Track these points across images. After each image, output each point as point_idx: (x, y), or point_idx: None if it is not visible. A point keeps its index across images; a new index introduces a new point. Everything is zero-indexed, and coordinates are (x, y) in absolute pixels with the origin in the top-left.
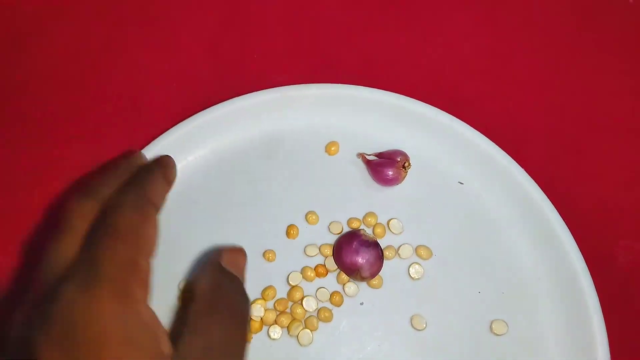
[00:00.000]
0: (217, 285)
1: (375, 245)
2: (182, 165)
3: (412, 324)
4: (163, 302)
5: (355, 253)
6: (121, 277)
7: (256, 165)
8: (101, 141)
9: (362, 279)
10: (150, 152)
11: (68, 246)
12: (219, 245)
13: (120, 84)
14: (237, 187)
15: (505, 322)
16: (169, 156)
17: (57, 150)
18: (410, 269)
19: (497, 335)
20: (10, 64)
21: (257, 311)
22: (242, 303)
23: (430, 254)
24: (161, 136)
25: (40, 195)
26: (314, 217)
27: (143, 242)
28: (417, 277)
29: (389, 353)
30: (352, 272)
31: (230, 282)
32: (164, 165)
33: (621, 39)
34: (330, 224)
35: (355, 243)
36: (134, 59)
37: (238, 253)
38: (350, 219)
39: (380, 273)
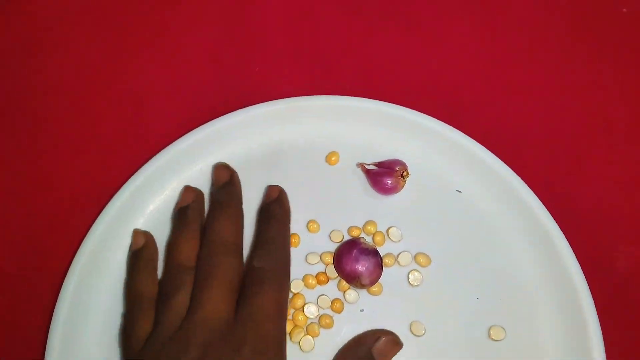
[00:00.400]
0: None
1: (375, 253)
2: (185, 176)
3: (411, 330)
4: None
5: (355, 261)
6: (275, 356)
7: (258, 175)
8: (105, 152)
9: (362, 286)
10: (154, 164)
11: (225, 300)
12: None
13: (124, 95)
14: None
15: (503, 328)
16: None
17: (63, 156)
18: (410, 275)
19: (495, 340)
20: (15, 73)
21: None
22: None
23: (429, 261)
24: (164, 149)
25: (44, 201)
26: (315, 226)
27: (286, 317)
28: (416, 284)
29: None
30: (352, 279)
31: None
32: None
33: (616, 46)
34: (331, 232)
35: (355, 251)
36: (137, 71)
37: (394, 345)
38: (350, 227)
39: (380, 280)
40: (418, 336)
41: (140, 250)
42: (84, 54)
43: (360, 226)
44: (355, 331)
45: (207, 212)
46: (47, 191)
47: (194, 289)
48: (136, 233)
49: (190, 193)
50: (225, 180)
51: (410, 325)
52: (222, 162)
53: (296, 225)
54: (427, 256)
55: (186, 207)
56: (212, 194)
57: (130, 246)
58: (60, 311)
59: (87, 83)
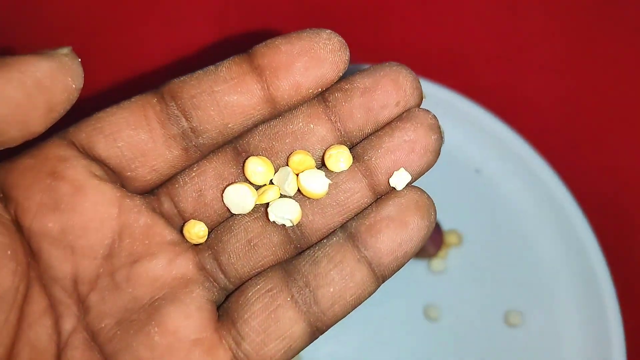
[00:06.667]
0: None
1: None
2: None
3: (426, 313)
4: None
5: None
6: None
7: None
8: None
9: (429, 256)
10: None
11: None
12: None
13: (121, 58)
14: None
15: (520, 312)
16: None
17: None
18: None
19: (512, 325)
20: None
21: None
22: None
23: (460, 240)
24: None
25: None
26: None
27: None
28: (432, 266)
29: (401, 341)
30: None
31: None
32: None
33: None
34: None
35: None
36: (135, 32)
37: None
38: None
39: None
40: (433, 319)
41: None
42: (80, 16)
43: None
44: (368, 312)
45: None
46: None
47: None
48: None
49: None
50: None
51: (425, 308)
52: None
53: None
54: (459, 234)
55: None
56: None
57: None
58: None
59: (83, 45)
